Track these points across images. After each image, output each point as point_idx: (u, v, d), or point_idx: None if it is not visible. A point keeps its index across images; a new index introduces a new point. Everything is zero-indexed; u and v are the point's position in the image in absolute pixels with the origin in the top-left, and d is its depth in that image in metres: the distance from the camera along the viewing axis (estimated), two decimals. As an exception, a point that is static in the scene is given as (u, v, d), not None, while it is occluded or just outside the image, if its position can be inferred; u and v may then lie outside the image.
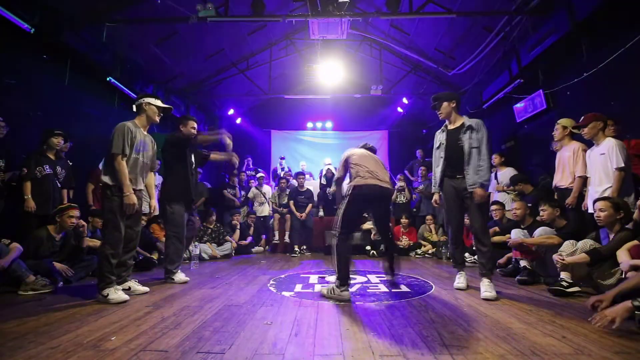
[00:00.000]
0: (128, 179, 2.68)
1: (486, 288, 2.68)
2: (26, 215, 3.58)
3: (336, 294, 2.60)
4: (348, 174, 2.98)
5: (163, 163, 3.80)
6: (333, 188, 6.70)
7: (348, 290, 2.64)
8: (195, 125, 3.76)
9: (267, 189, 7.14)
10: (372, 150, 3.25)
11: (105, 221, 2.73)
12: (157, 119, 3.00)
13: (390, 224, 5.14)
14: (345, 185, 2.98)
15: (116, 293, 2.54)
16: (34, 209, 3.60)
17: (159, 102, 2.99)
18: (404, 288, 3.06)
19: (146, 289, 2.87)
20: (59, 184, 3.94)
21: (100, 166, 4.80)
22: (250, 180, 7.44)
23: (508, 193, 4.94)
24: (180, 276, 3.40)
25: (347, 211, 2.71)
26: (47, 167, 3.79)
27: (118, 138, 2.70)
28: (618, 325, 1.75)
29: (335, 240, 2.68)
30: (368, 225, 5.90)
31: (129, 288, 2.78)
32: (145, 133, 2.96)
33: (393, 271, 3.05)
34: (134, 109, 2.97)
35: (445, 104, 3.07)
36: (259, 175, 7.37)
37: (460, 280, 3.04)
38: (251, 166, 8.81)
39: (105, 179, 2.69)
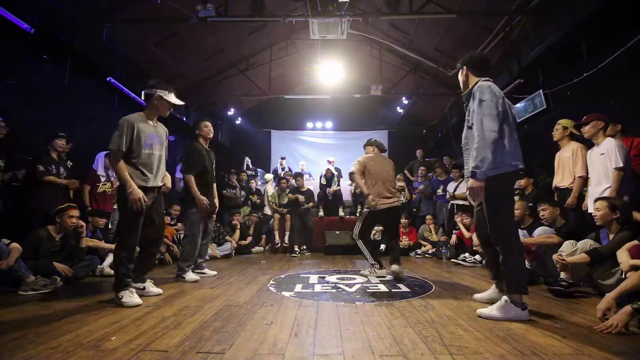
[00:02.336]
0: (127, 174, 2.50)
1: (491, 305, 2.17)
2: (32, 215, 3.64)
3: (377, 273, 3.56)
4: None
5: (183, 168, 3.80)
6: (333, 188, 6.73)
7: (382, 269, 3.58)
8: (209, 123, 3.78)
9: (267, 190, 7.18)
10: (383, 149, 3.94)
11: (120, 222, 2.67)
12: (167, 113, 2.77)
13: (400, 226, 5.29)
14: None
15: (130, 297, 2.44)
16: (77, 185, 4.01)
17: (171, 97, 2.71)
18: (404, 288, 3.05)
19: (160, 290, 2.76)
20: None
21: (95, 166, 4.81)
22: (250, 181, 7.44)
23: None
24: (191, 275, 3.44)
25: (365, 220, 3.65)
26: (52, 168, 3.89)
27: (116, 134, 2.50)
28: (620, 329, 1.78)
29: (357, 238, 3.66)
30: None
31: (144, 288, 2.69)
32: (156, 124, 2.74)
33: (399, 260, 3.52)
34: (142, 96, 2.70)
35: (458, 74, 2.47)
36: (269, 176, 7.39)
37: (485, 294, 2.53)
38: (250, 166, 8.81)
39: (116, 179, 2.63)
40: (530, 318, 2.07)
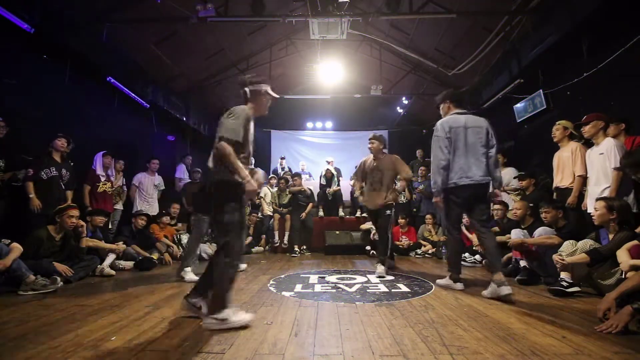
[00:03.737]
0: (240, 163, 2.01)
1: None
2: (33, 215, 3.65)
3: (380, 264, 3.75)
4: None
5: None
6: (333, 188, 6.73)
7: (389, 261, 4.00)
8: None
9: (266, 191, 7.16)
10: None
11: (227, 223, 2.01)
12: (266, 112, 2.42)
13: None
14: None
15: (235, 315, 1.97)
16: (40, 207, 3.69)
17: (273, 92, 2.36)
18: (404, 288, 3.05)
19: (249, 318, 2.00)
20: (63, 186, 4.04)
21: (94, 166, 4.80)
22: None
23: (508, 193, 4.94)
24: (190, 275, 3.43)
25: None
26: (53, 169, 3.93)
27: (238, 122, 2.04)
28: (620, 329, 1.79)
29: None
30: (367, 225, 5.90)
31: (225, 319, 1.92)
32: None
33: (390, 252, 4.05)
34: (247, 93, 2.28)
35: (441, 107, 3.26)
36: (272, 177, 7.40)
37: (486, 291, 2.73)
38: (252, 166, 8.81)
39: (220, 176, 2.04)
40: (462, 289, 2.93)
